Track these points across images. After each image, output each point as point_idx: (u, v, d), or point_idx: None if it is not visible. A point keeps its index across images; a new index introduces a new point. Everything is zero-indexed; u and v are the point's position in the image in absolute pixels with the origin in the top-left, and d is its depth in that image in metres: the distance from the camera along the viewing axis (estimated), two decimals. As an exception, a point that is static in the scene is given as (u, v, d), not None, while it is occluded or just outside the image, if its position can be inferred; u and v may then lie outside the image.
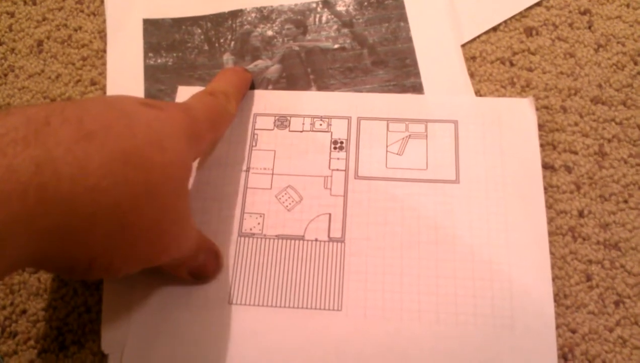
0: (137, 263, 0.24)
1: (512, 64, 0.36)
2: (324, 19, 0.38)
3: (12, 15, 0.40)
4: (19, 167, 0.18)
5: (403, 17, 0.38)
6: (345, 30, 0.38)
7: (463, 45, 0.37)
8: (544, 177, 0.32)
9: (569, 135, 0.34)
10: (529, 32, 0.37)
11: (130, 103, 0.24)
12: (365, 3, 0.38)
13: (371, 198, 0.32)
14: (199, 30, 0.38)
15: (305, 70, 0.37)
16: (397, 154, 0.33)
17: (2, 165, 0.18)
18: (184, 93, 0.35)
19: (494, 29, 0.37)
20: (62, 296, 0.31)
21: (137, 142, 0.22)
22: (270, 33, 0.38)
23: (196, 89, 0.36)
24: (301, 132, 0.34)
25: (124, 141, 0.21)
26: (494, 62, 0.36)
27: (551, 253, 0.31)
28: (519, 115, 0.34)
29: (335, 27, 0.38)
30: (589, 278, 0.30)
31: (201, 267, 0.30)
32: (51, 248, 0.20)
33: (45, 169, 0.19)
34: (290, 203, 0.32)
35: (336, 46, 0.37)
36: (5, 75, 0.38)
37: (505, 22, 0.37)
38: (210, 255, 0.30)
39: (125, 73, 0.37)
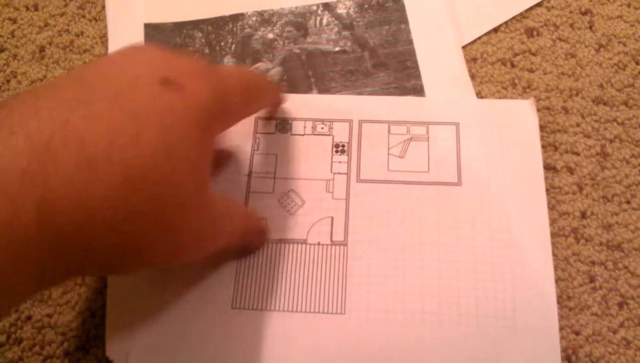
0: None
1: (513, 65, 0.36)
2: (324, 21, 0.38)
3: (14, 21, 0.40)
4: (22, 211, 0.18)
5: (403, 20, 0.38)
6: (346, 33, 0.38)
7: (464, 47, 0.37)
8: (546, 178, 0.32)
9: (570, 136, 0.34)
10: (530, 32, 0.37)
11: (145, 86, 0.21)
12: (366, 5, 0.38)
13: (373, 201, 0.32)
14: (200, 34, 0.38)
15: (306, 73, 0.37)
16: (398, 156, 0.33)
17: (7, 211, 0.18)
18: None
19: (495, 30, 0.37)
20: (66, 302, 0.31)
21: (143, 162, 0.20)
22: (271, 36, 0.38)
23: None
24: (302, 135, 0.34)
25: (128, 162, 0.20)
26: (494, 63, 0.36)
27: (554, 254, 0.31)
28: (520, 117, 0.33)
29: (335, 29, 0.38)
30: (592, 280, 0.30)
31: (245, 246, 0.30)
32: (65, 275, 0.20)
33: (46, 208, 0.18)
34: (292, 207, 0.32)
35: (337, 49, 0.37)
36: (8, 81, 0.38)
37: (506, 23, 0.37)
38: (254, 234, 0.30)
39: (127, 78, 0.37)
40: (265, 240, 0.31)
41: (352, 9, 0.38)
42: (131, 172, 0.20)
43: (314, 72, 0.37)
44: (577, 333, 0.29)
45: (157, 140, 0.20)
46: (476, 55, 0.37)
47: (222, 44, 0.38)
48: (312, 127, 0.34)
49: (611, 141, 0.34)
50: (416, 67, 0.36)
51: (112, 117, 0.20)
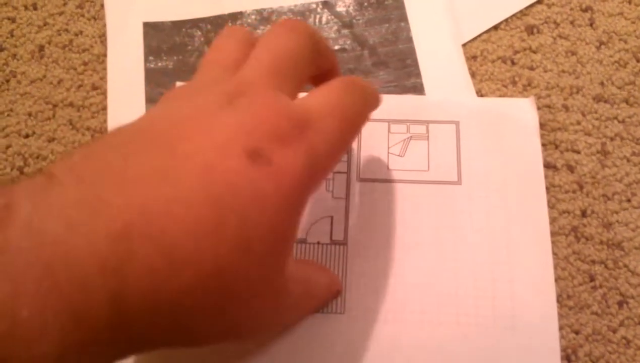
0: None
1: (513, 63, 0.36)
2: (324, 19, 0.38)
3: (13, 20, 0.40)
4: (95, 303, 0.17)
5: (403, 18, 0.38)
6: (346, 31, 0.38)
7: (464, 45, 0.37)
8: (546, 176, 0.32)
9: (571, 134, 0.34)
10: (530, 30, 0.37)
11: (233, 160, 0.19)
12: (365, 3, 0.38)
13: (373, 200, 0.32)
14: (199, 33, 0.38)
15: (305, 71, 0.37)
16: (398, 155, 0.33)
17: (80, 302, 0.16)
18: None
19: (495, 27, 0.37)
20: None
21: (223, 259, 0.18)
22: (270, 34, 0.38)
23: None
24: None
25: (207, 257, 0.18)
26: (495, 61, 0.36)
27: (554, 253, 0.31)
28: (520, 115, 0.33)
29: (335, 27, 0.38)
30: (592, 279, 0.30)
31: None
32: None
33: (119, 301, 0.17)
34: (292, 207, 0.32)
35: (337, 47, 0.37)
36: (7, 81, 0.38)
37: (506, 20, 0.37)
38: (332, 298, 0.29)
39: (126, 77, 0.37)
40: (337, 294, 0.30)
41: (351, 7, 0.38)
42: (209, 267, 0.18)
43: (314, 71, 0.37)
44: (577, 333, 0.29)
45: (238, 234, 0.18)
46: (476, 53, 0.36)
47: (222, 42, 0.38)
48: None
49: (612, 139, 0.34)
50: (416, 65, 0.36)
51: (195, 203, 0.18)
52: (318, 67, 0.25)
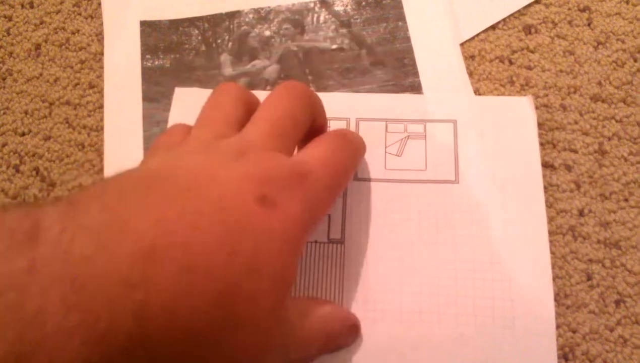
0: None
1: (511, 63, 0.36)
2: (321, 18, 0.38)
3: (9, 18, 0.40)
4: (119, 319, 0.18)
5: (401, 17, 0.38)
6: (343, 31, 0.38)
7: (462, 44, 0.37)
8: (544, 176, 0.32)
9: (568, 134, 0.34)
10: (528, 30, 0.37)
11: (245, 202, 0.21)
12: (363, 3, 0.38)
13: (371, 199, 0.32)
14: (196, 32, 0.38)
15: (303, 70, 0.37)
16: (396, 155, 0.33)
17: (104, 319, 0.17)
18: (181, 95, 0.35)
19: (493, 27, 0.37)
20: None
21: (235, 280, 0.20)
22: (267, 33, 0.38)
23: (193, 91, 0.36)
24: None
25: (222, 278, 0.20)
26: (493, 60, 0.36)
27: (551, 252, 0.31)
28: (518, 114, 0.33)
29: (333, 27, 0.38)
30: (589, 278, 0.30)
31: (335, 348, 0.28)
32: None
33: (142, 317, 0.18)
34: (289, 206, 0.32)
35: (334, 46, 0.37)
36: (4, 79, 0.38)
37: (504, 20, 0.37)
38: (344, 334, 0.28)
39: (122, 75, 0.37)
40: (358, 334, 0.29)
41: (349, 6, 0.38)
42: (223, 287, 0.20)
43: (311, 70, 0.37)
44: (574, 331, 0.29)
45: (251, 260, 0.20)
46: (474, 53, 0.36)
47: (219, 41, 0.38)
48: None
49: (609, 139, 0.34)
50: (414, 64, 0.36)
51: (213, 231, 0.20)
52: (313, 123, 0.28)
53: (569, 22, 0.37)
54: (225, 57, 0.37)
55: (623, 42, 0.36)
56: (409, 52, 0.36)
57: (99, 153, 0.35)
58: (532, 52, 0.36)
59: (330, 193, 0.26)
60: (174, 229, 0.19)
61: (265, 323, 0.21)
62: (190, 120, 0.28)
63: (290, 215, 0.22)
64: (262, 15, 0.38)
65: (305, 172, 0.24)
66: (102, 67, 0.37)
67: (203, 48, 0.38)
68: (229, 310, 0.20)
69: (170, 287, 0.18)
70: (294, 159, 0.25)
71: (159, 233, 0.19)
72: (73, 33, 0.39)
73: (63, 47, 0.39)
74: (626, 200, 0.32)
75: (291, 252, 0.22)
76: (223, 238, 0.20)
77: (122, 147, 0.35)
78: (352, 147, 0.29)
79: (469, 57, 0.36)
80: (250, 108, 0.27)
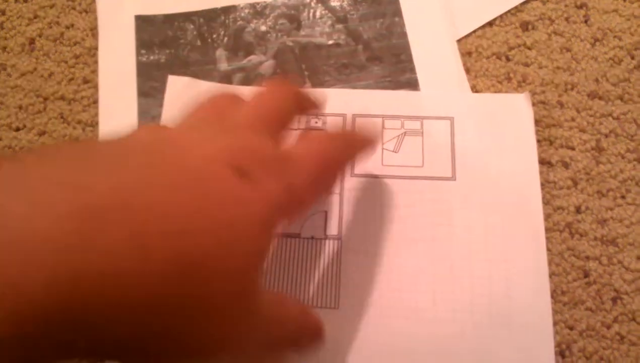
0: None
1: (508, 59, 0.36)
2: (317, 14, 0.38)
3: (3, 13, 0.39)
4: (53, 283, 0.15)
5: (397, 13, 0.37)
6: (340, 26, 0.37)
7: (458, 41, 0.37)
8: (541, 173, 0.32)
9: (565, 131, 0.34)
10: (525, 26, 0.37)
11: (221, 172, 0.20)
12: (360, -2, 0.38)
13: (367, 195, 0.32)
14: (192, 26, 0.38)
15: (299, 66, 0.36)
16: (392, 151, 0.33)
17: (36, 283, 0.15)
18: (175, 83, 0.35)
19: (490, 23, 0.37)
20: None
21: (203, 250, 0.18)
22: (263, 28, 0.38)
23: (186, 79, 0.35)
24: (296, 129, 0.34)
25: (188, 249, 0.18)
26: (489, 57, 0.36)
27: (548, 249, 0.30)
28: (515, 111, 0.33)
29: (329, 22, 0.38)
30: (586, 275, 0.30)
31: (297, 349, 0.27)
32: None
33: (81, 283, 0.16)
34: (285, 202, 0.32)
35: (330, 42, 0.37)
36: (-3, 73, 0.37)
37: (501, 16, 0.37)
38: (309, 337, 0.26)
39: (117, 70, 0.37)
40: (322, 341, 0.27)
41: (345, 2, 0.38)
42: (187, 258, 0.18)
43: (308, 66, 0.36)
44: (571, 328, 0.29)
45: (225, 232, 0.19)
46: (471, 49, 0.36)
47: (214, 36, 0.38)
48: (306, 121, 0.34)
49: (606, 136, 0.33)
50: (410, 60, 0.36)
51: (182, 196, 0.18)
52: (302, 110, 0.28)
53: (566, 19, 0.37)
54: (220, 52, 0.37)
55: (620, 39, 0.36)
56: (405, 48, 0.36)
57: (94, 148, 0.35)
58: (529, 48, 0.36)
59: (314, 182, 0.24)
60: (134, 191, 0.17)
61: (242, 299, 0.20)
62: (184, 108, 0.27)
63: (267, 192, 0.21)
64: (258, 10, 0.38)
65: (287, 158, 0.23)
66: (96, 62, 0.37)
67: (198, 43, 0.37)
68: (193, 286, 0.18)
69: (116, 250, 0.16)
70: (280, 147, 0.24)
71: (114, 194, 0.17)
72: (67, 27, 0.39)
73: (57, 41, 0.38)
74: (623, 197, 0.32)
75: (267, 231, 0.21)
76: (193, 205, 0.18)
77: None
78: (345, 140, 0.28)
79: (466, 54, 0.36)
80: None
